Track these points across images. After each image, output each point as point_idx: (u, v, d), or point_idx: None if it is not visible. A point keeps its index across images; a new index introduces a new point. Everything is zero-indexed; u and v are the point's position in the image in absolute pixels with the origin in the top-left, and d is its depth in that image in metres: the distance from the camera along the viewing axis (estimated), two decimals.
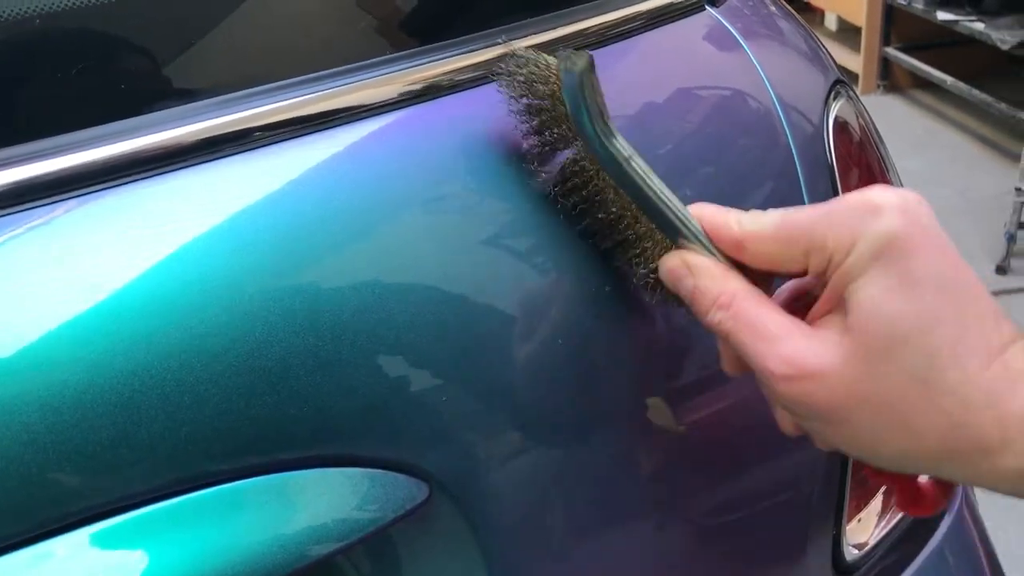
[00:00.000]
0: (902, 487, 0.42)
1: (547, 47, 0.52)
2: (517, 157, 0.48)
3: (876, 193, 0.37)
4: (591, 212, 0.44)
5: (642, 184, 0.42)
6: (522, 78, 0.43)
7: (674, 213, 0.42)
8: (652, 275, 0.43)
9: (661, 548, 0.53)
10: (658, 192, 0.42)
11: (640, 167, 0.42)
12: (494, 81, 0.45)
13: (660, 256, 0.43)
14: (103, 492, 0.36)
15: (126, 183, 0.39)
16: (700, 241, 0.41)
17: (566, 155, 0.44)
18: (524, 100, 0.44)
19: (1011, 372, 0.35)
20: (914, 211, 0.37)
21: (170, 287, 0.38)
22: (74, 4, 0.41)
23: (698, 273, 0.40)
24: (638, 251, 0.43)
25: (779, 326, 0.38)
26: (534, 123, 0.44)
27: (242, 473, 0.39)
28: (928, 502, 0.42)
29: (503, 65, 0.45)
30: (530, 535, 0.46)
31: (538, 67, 0.43)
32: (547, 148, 0.44)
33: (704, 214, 0.42)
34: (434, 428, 0.42)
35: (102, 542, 0.36)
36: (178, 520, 0.38)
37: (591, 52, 0.42)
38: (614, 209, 0.43)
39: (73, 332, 0.36)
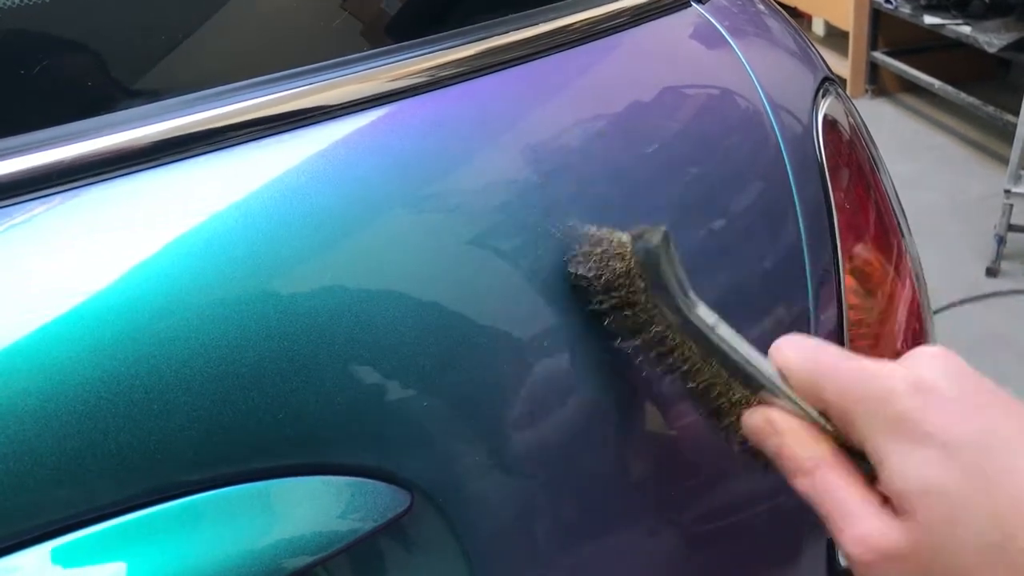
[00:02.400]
0: None
1: (530, 43, 0.51)
2: (499, 156, 0.47)
3: (889, 369, 0.38)
4: (681, 381, 0.44)
5: (728, 351, 0.42)
6: (597, 257, 0.44)
7: (763, 375, 0.41)
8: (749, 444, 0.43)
9: (651, 555, 0.52)
10: (745, 357, 0.42)
11: (725, 334, 0.42)
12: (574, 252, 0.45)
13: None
14: (68, 504, 0.35)
15: (90, 184, 0.38)
16: (789, 397, 0.41)
17: (652, 330, 0.43)
18: (602, 278, 0.43)
19: None
20: (918, 371, 0.37)
21: (137, 290, 0.36)
22: (39, 0, 0.40)
23: (783, 434, 0.40)
24: (733, 418, 0.43)
25: (857, 503, 0.38)
26: (613, 301, 0.43)
27: (215, 483, 0.37)
28: None
29: (577, 246, 0.45)
30: (515, 544, 0.45)
31: (612, 244, 0.43)
32: (626, 323, 0.44)
33: (800, 365, 0.41)
34: (415, 434, 0.41)
35: (68, 556, 0.35)
36: (148, 533, 0.36)
37: (665, 228, 0.43)
38: (705, 377, 0.43)
39: (35, 338, 0.34)
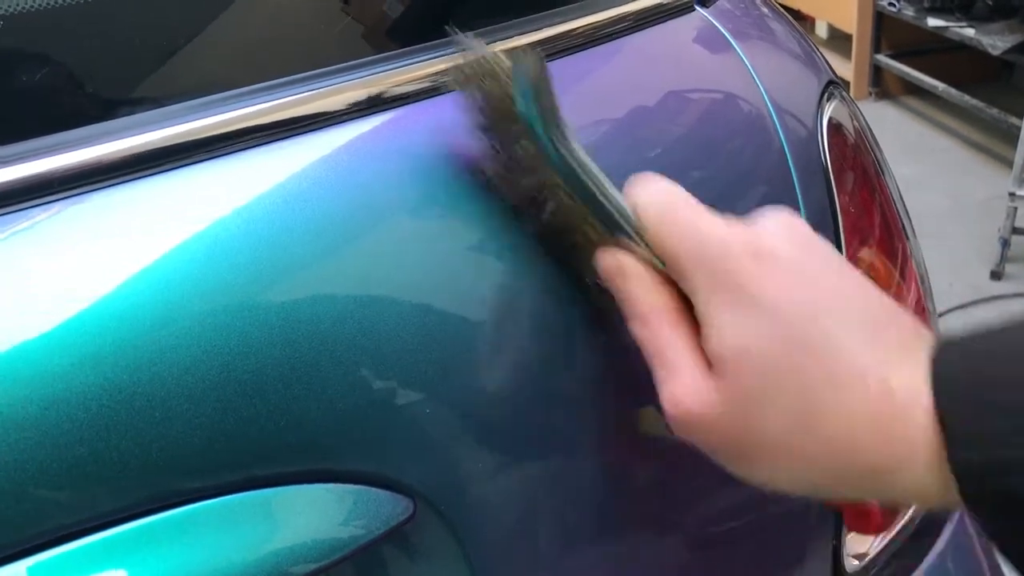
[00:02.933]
0: (847, 508, 0.42)
1: (533, 48, 0.51)
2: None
3: (731, 231, 0.38)
4: (541, 212, 0.43)
5: (594, 188, 0.41)
6: (471, 73, 0.42)
7: (621, 213, 0.41)
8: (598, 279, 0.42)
9: (655, 560, 0.51)
10: (608, 196, 0.41)
11: (593, 171, 0.41)
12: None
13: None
14: (69, 512, 0.35)
15: (91, 191, 0.38)
16: (639, 241, 0.40)
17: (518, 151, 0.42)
18: (477, 95, 0.42)
19: (894, 397, 0.34)
20: (759, 236, 0.37)
21: (139, 297, 0.36)
22: (38, 7, 0.39)
23: (628, 277, 0.40)
24: (588, 255, 0.42)
25: (682, 358, 0.37)
26: (486, 121, 0.43)
27: (216, 491, 0.37)
28: (873, 520, 0.42)
29: (458, 62, 0.43)
30: (519, 551, 0.44)
31: (489, 63, 0.42)
32: (497, 146, 0.43)
33: (651, 209, 0.40)
34: (418, 441, 0.41)
35: (69, 565, 0.35)
36: (149, 541, 0.36)
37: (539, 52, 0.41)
38: (566, 210, 0.42)
39: (37, 346, 0.34)
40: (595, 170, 0.42)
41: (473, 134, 0.43)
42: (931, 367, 0.34)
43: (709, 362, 0.37)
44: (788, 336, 0.35)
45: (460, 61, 0.43)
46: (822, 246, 0.38)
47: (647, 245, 0.40)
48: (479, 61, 0.42)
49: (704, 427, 0.37)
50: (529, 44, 0.42)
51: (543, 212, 0.42)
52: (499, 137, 0.43)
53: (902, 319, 0.36)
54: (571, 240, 0.42)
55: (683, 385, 0.37)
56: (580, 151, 0.42)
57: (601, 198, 0.41)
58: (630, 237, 0.40)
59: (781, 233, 0.37)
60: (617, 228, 0.41)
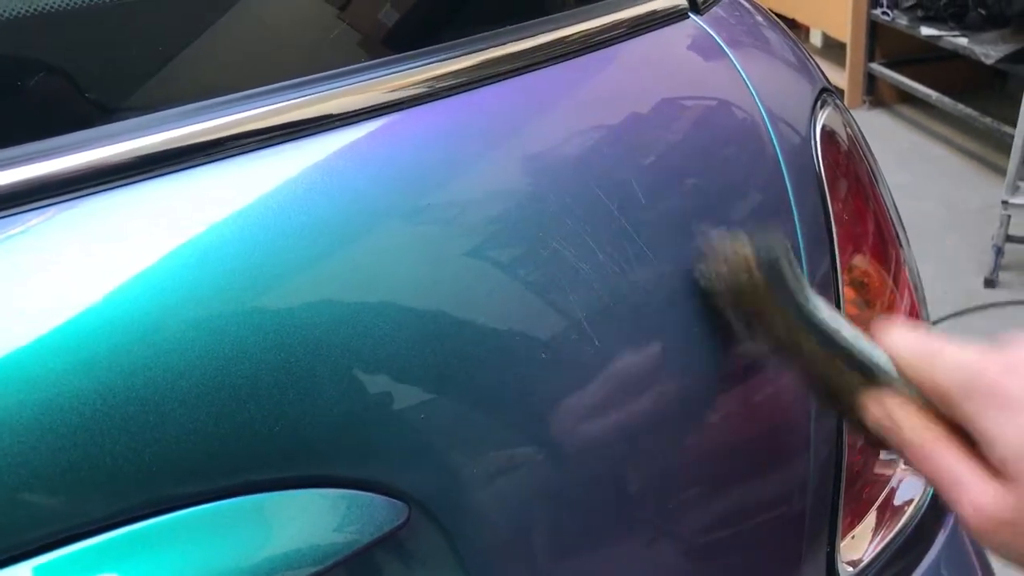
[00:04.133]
0: None
1: (528, 55, 0.51)
2: (496, 168, 0.47)
3: (986, 354, 0.41)
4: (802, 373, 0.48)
5: (845, 345, 0.46)
6: (724, 272, 0.48)
7: (877, 361, 0.45)
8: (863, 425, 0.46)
9: (649, 567, 0.51)
10: (861, 349, 0.45)
11: (844, 330, 0.46)
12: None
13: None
14: (62, 518, 0.35)
15: (88, 195, 0.38)
16: (901, 384, 0.44)
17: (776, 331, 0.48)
18: (731, 290, 0.48)
19: None
20: (1017, 354, 0.40)
21: (134, 302, 0.36)
22: (35, 11, 0.39)
23: (900, 425, 0.43)
24: (850, 403, 0.46)
25: (969, 473, 0.40)
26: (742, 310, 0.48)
27: (210, 496, 0.37)
28: None
29: (703, 261, 0.49)
30: (513, 556, 0.44)
31: (736, 257, 0.48)
32: (754, 328, 0.48)
33: (905, 353, 0.44)
34: (413, 447, 0.41)
35: (62, 570, 0.35)
36: (143, 546, 0.36)
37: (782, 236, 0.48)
38: (823, 369, 0.47)
39: (31, 350, 0.34)
40: (847, 327, 0.46)
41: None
42: None
43: (996, 471, 0.39)
44: None
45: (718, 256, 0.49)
46: None
47: (906, 386, 0.43)
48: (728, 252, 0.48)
49: (1004, 528, 0.39)
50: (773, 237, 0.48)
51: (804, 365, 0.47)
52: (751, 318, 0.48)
53: None
54: (832, 392, 0.47)
55: (978, 494, 0.39)
56: (831, 314, 0.46)
57: (854, 351, 0.45)
58: (889, 382, 0.44)
59: None
60: (873, 375, 0.45)
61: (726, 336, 0.51)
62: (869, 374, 0.45)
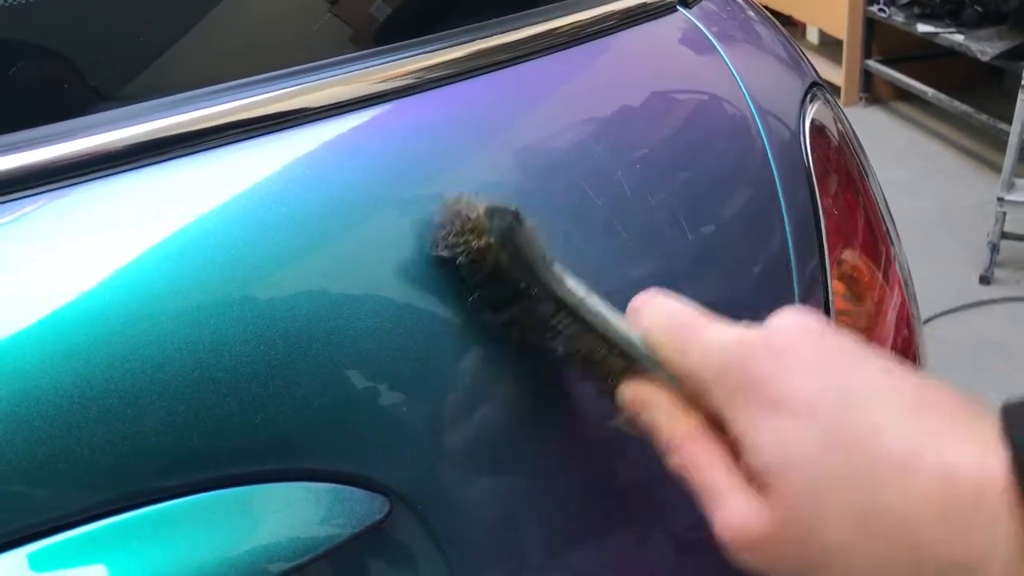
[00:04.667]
0: None
1: (518, 46, 0.51)
2: (484, 160, 0.47)
3: (745, 336, 0.36)
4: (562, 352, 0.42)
5: (599, 324, 0.41)
6: (455, 234, 0.41)
7: (629, 342, 0.40)
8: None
9: (636, 562, 0.51)
10: (616, 328, 0.40)
11: (595, 306, 0.41)
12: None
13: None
14: (40, 510, 0.34)
15: (67, 186, 0.37)
16: (657, 369, 0.39)
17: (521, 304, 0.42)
18: (464, 255, 0.41)
19: (957, 478, 0.30)
20: (772, 336, 0.35)
21: (113, 293, 0.36)
22: (16, 1, 0.39)
23: (652, 409, 0.39)
24: (613, 389, 0.41)
25: (723, 482, 0.36)
26: (478, 277, 0.41)
27: (190, 489, 0.37)
28: None
29: (435, 224, 0.42)
30: (496, 550, 0.44)
31: (469, 220, 0.41)
32: (495, 298, 0.42)
33: (657, 332, 0.39)
34: (395, 440, 0.41)
35: (39, 563, 0.34)
36: (121, 539, 0.36)
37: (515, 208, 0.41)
38: (583, 349, 0.41)
39: (7, 341, 0.34)
40: (597, 304, 0.41)
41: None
42: (1005, 438, 0.30)
43: (752, 477, 0.35)
44: (826, 432, 0.32)
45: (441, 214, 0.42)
46: (839, 336, 0.36)
47: (662, 368, 0.39)
48: (458, 216, 0.42)
49: (762, 547, 0.34)
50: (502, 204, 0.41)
51: (557, 345, 0.42)
52: (494, 289, 0.42)
53: (942, 394, 0.33)
54: (595, 376, 0.42)
55: (731, 510, 0.35)
56: (577, 288, 0.41)
57: (606, 330, 0.40)
58: (644, 364, 0.39)
59: (794, 329, 0.36)
60: (630, 356, 0.40)
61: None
62: (626, 356, 0.40)
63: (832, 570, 0.33)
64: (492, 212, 0.41)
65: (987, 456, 0.30)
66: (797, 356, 0.34)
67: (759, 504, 0.34)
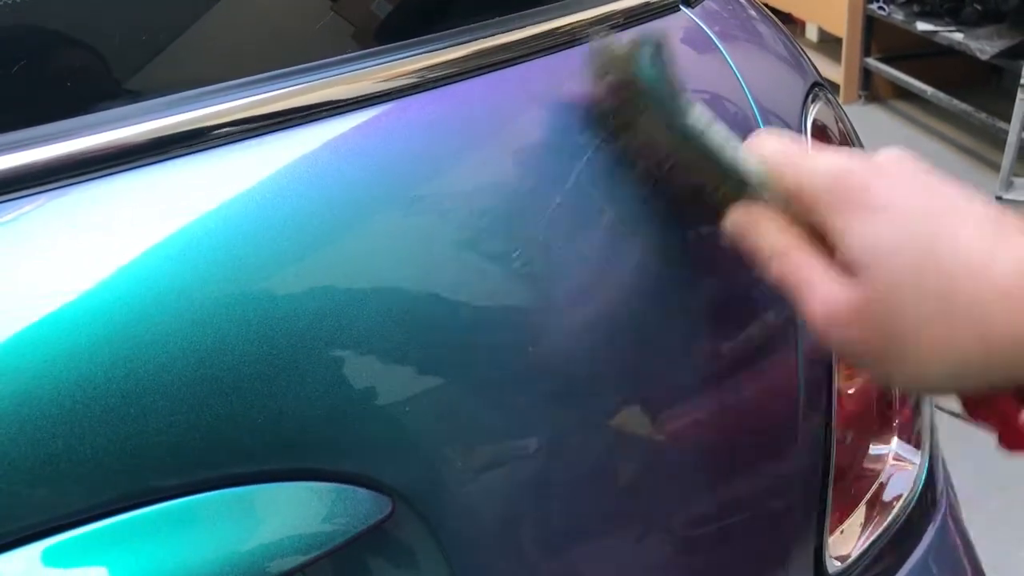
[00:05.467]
0: (1004, 423, 0.43)
1: (519, 46, 0.51)
2: (486, 159, 0.47)
3: (852, 159, 0.41)
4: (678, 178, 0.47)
5: (718, 151, 0.45)
6: (602, 64, 0.47)
7: (748, 171, 0.44)
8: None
9: (637, 561, 0.51)
10: (733, 156, 0.45)
11: (717, 135, 0.45)
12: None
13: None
14: (43, 510, 0.34)
15: (68, 185, 0.37)
16: (766, 188, 0.44)
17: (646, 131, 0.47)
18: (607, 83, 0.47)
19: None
20: (878, 161, 0.41)
21: (115, 293, 0.36)
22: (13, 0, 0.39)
23: (759, 224, 0.43)
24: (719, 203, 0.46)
25: (819, 274, 0.41)
26: (616, 104, 0.47)
27: (192, 488, 0.37)
28: None
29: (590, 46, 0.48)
30: (499, 550, 0.44)
31: (613, 54, 0.47)
32: (626, 122, 0.47)
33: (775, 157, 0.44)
34: (397, 440, 0.41)
35: (40, 563, 0.34)
36: (124, 539, 0.36)
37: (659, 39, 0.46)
38: (698, 175, 0.46)
39: (10, 341, 0.34)
40: (719, 131, 0.45)
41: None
42: None
43: (845, 270, 0.40)
44: (917, 230, 0.38)
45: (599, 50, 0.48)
46: (932, 170, 0.41)
47: (776, 194, 0.43)
48: (607, 49, 0.47)
49: (849, 325, 0.39)
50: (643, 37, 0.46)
51: (665, 170, 0.47)
52: (625, 113, 0.47)
53: (1012, 218, 0.39)
54: (710, 199, 0.46)
55: (824, 291, 0.40)
56: (704, 118, 0.45)
57: (724, 158, 0.44)
58: (757, 190, 0.44)
59: (893, 156, 0.41)
60: (744, 184, 0.44)
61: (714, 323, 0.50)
62: (741, 182, 0.44)
63: (908, 355, 0.38)
64: (635, 45, 0.46)
65: None
66: (899, 174, 0.40)
67: (849, 284, 0.39)
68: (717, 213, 0.45)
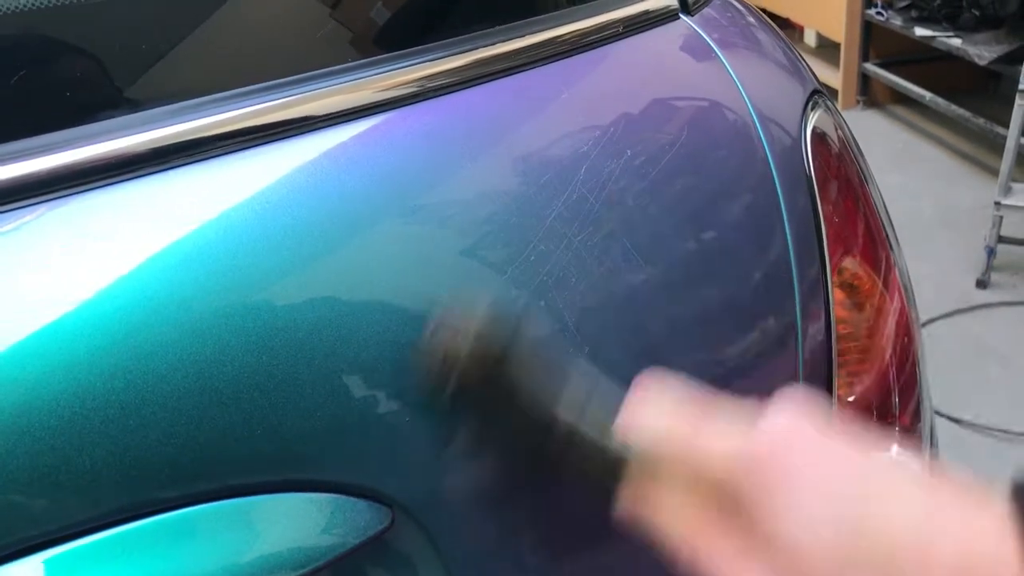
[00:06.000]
0: None
1: (520, 54, 0.51)
2: (486, 168, 0.46)
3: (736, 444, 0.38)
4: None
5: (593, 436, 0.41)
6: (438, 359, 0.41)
7: (632, 453, 0.41)
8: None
9: (636, 572, 0.51)
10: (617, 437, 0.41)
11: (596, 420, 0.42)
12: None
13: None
14: (41, 522, 0.34)
15: (68, 195, 0.37)
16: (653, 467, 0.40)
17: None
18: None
19: (976, 557, 0.31)
20: (768, 436, 0.37)
21: (114, 303, 0.36)
22: (16, 9, 0.39)
23: (651, 508, 0.40)
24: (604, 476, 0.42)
25: (735, 563, 0.37)
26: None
27: (192, 500, 0.37)
28: None
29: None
30: (497, 561, 0.44)
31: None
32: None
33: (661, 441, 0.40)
34: (397, 451, 0.40)
35: (42, 575, 0.34)
36: (123, 551, 0.36)
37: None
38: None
39: (9, 352, 0.34)
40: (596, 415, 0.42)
41: None
42: (1017, 525, 0.31)
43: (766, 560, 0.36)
44: (843, 507, 0.34)
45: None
46: (828, 429, 0.37)
47: (664, 475, 0.40)
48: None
49: None
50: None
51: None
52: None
53: (950, 481, 0.35)
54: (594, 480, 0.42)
55: None
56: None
57: (605, 439, 0.41)
58: (645, 467, 0.40)
59: (790, 427, 0.37)
60: (628, 460, 0.41)
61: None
62: (624, 460, 0.41)
63: None
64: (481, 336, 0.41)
65: (1001, 544, 0.31)
66: (801, 446, 0.36)
67: (772, 565, 0.35)
68: (604, 495, 0.42)
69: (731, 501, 0.37)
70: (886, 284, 0.67)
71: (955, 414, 1.76)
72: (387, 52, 0.48)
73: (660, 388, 0.42)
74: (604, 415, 0.42)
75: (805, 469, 0.36)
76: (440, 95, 0.47)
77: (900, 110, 3.56)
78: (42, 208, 0.37)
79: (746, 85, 0.59)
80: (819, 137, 0.62)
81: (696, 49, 0.59)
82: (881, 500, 0.34)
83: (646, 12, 0.58)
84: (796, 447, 0.36)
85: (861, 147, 0.71)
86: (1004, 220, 2.41)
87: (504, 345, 0.41)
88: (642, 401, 0.41)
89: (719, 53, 0.59)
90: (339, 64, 0.46)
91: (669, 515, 0.40)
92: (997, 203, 2.41)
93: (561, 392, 0.42)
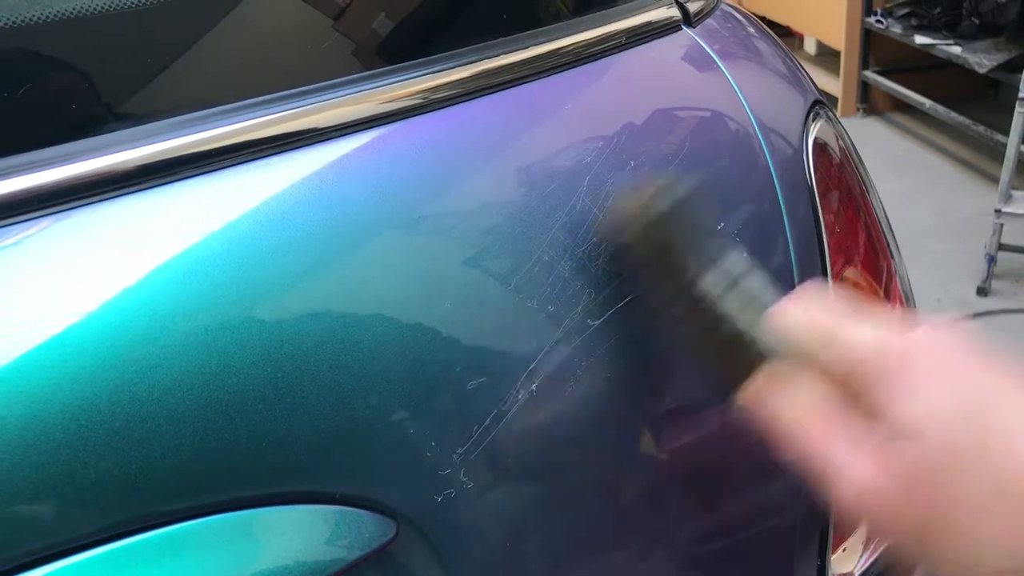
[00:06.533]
0: None
1: (522, 66, 0.51)
2: (489, 180, 0.47)
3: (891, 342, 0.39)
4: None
5: (735, 316, 0.43)
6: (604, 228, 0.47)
7: (774, 340, 0.42)
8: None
9: None
10: (750, 321, 0.43)
11: (737, 298, 0.44)
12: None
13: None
14: (47, 534, 0.34)
15: (72, 208, 0.37)
16: (787, 358, 0.41)
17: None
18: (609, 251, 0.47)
19: None
20: (913, 336, 0.38)
21: (119, 316, 0.36)
22: (22, 22, 0.39)
23: (778, 402, 0.41)
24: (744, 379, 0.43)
25: (844, 449, 0.38)
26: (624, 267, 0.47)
27: (197, 512, 0.37)
28: None
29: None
30: (504, 573, 0.44)
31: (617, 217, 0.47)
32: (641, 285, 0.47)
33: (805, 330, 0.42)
34: (402, 462, 0.40)
35: None
36: (129, 564, 0.36)
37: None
38: (715, 341, 0.44)
39: (15, 364, 0.34)
40: (749, 288, 0.44)
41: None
42: None
43: (883, 443, 0.37)
44: (972, 400, 0.35)
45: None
46: (973, 343, 0.39)
47: (806, 361, 0.41)
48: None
49: (886, 505, 0.36)
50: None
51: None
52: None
53: None
54: (726, 367, 0.44)
55: (855, 472, 0.37)
56: (723, 283, 0.44)
57: (742, 324, 0.43)
58: (784, 358, 0.41)
59: (938, 332, 0.39)
60: (768, 351, 0.42)
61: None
62: (764, 350, 0.42)
63: (961, 535, 0.35)
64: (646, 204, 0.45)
65: None
66: (943, 348, 0.38)
67: (889, 460, 0.36)
68: (733, 381, 0.43)
69: (858, 388, 0.38)
70: (887, 293, 0.68)
71: None
72: (390, 64, 0.49)
73: (815, 295, 0.43)
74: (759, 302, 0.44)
75: (938, 367, 0.37)
76: (444, 107, 0.48)
77: (900, 118, 3.57)
78: (47, 221, 0.37)
79: (748, 96, 0.59)
80: (820, 147, 0.62)
81: (698, 60, 0.59)
82: (1006, 410, 0.35)
83: (648, 23, 0.58)
84: (935, 350, 0.38)
85: (861, 155, 0.71)
86: (1005, 228, 2.41)
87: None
88: (795, 299, 0.43)
89: (721, 64, 0.59)
90: (343, 76, 0.47)
91: (792, 405, 0.41)
92: (997, 211, 2.41)
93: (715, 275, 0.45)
